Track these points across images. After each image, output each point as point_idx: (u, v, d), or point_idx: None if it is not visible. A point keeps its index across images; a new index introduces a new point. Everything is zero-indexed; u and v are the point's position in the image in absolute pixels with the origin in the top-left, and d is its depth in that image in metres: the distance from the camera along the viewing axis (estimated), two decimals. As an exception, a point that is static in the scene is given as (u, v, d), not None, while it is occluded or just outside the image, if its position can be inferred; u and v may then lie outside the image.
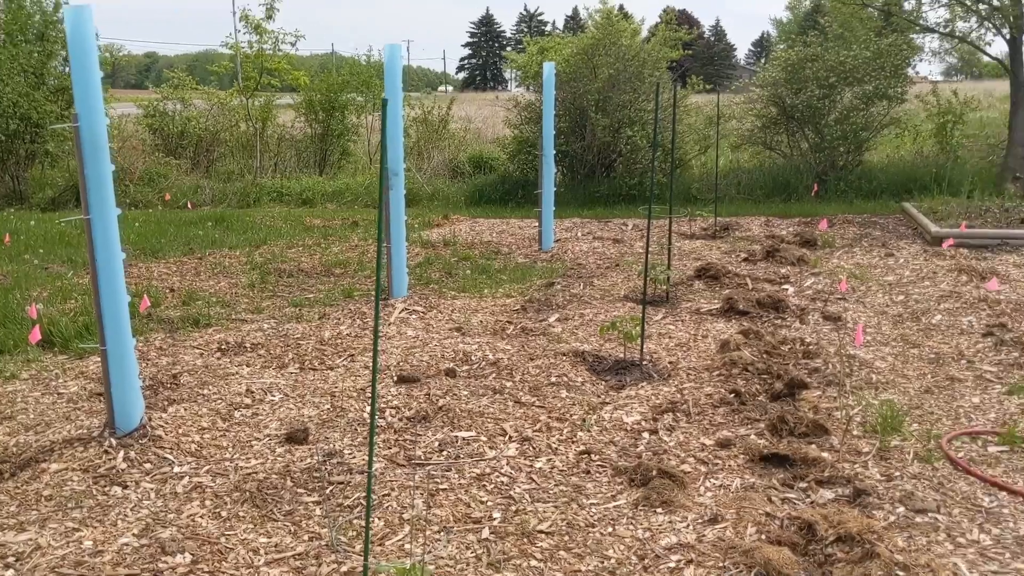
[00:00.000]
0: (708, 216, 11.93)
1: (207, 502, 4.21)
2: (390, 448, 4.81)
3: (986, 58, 16.58)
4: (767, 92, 14.81)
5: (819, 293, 8.17)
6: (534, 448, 4.78)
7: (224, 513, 4.11)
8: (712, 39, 77.51)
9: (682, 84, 16.73)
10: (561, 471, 4.50)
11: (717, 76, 62.74)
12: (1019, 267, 9.10)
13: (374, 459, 4.60)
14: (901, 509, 4.00)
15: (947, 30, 15.20)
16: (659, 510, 4.05)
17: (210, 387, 5.80)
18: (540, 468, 4.53)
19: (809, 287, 8.44)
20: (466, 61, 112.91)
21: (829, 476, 4.31)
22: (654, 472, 4.32)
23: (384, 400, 5.50)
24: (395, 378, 5.91)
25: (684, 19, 64.46)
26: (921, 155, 15.76)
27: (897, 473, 4.39)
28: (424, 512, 4.07)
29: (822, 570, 3.48)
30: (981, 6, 14.25)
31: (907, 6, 15.19)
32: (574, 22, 75.24)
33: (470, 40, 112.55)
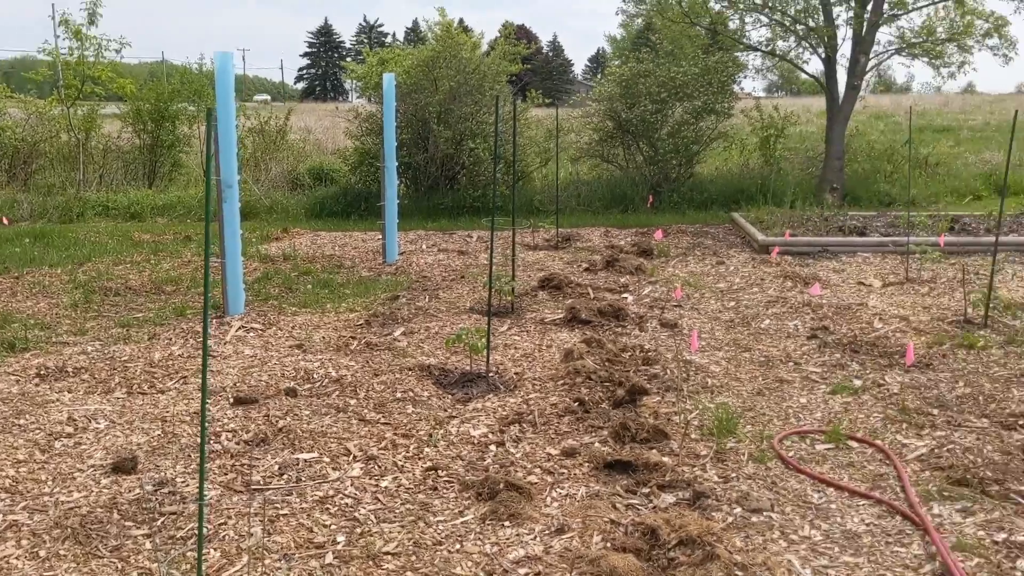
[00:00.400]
0: (550, 227, 12.11)
1: (23, 541, 3.88)
2: (227, 474, 4.58)
3: (804, 75, 17.65)
4: (603, 106, 15.22)
5: (656, 301, 8.42)
6: (379, 467, 4.67)
7: (43, 552, 3.79)
8: (550, 54, 79.22)
9: (522, 98, 16.96)
10: (408, 489, 4.41)
11: (556, 90, 64.08)
12: (838, 272, 9.69)
13: (209, 486, 4.38)
14: (738, 510, 4.14)
15: (769, 48, 16.09)
16: (507, 523, 4.02)
17: (27, 416, 5.38)
18: (386, 487, 4.43)
19: (647, 295, 8.69)
20: (305, 71, 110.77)
21: (670, 480, 4.41)
22: (501, 485, 4.30)
23: (219, 423, 5.25)
24: (231, 400, 5.66)
25: (523, 34, 65.60)
26: (747, 167, 16.58)
27: (733, 474, 4.54)
28: (263, 540, 3.88)
29: (665, 574, 3.55)
30: (799, 27, 15.16)
31: (732, 25, 15.96)
32: (414, 34, 75.23)
33: (309, 50, 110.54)
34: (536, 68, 68.78)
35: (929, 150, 18.21)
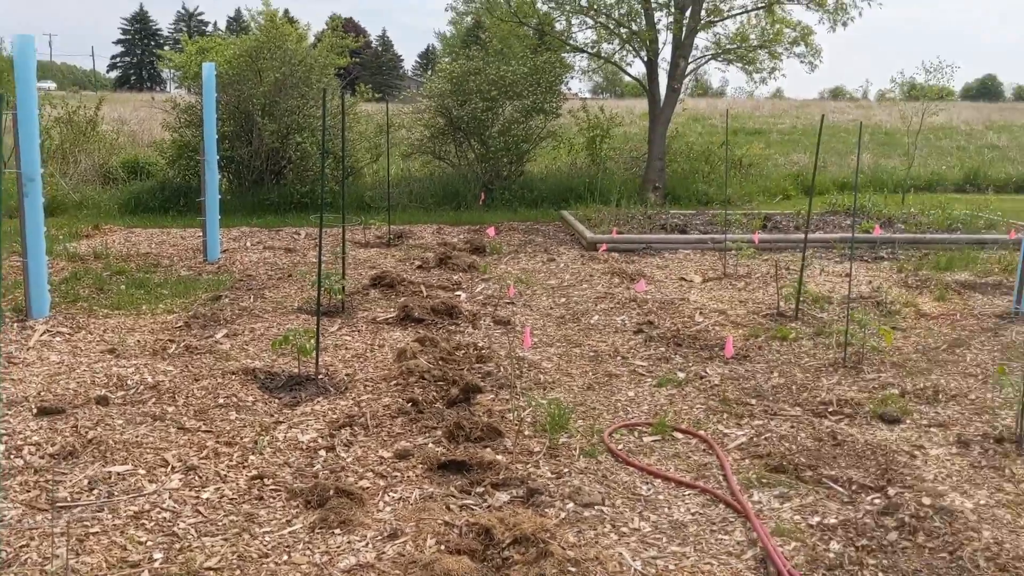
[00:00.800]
0: (382, 224, 11.93)
1: None
2: (29, 491, 4.20)
3: (627, 78, 18.19)
4: (434, 103, 15.15)
5: (490, 298, 8.43)
6: (200, 477, 4.41)
7: None
8: (380, 49, 78.28)
9: (351, 92, 16.64)
10: (231, 500, 4.18)
11: (386, 86, 63.51)
12: (662, 269, 10.03)
13: (8, 505, 4.01)
14: (571, 505, 4.17)
15: (594, 51, 16.48)
16: (337, 531, 3.88)
17: None
18: (208, 499, 4.18)
19: (480, 292, 8.69)
20: (119, 59, 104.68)
21: (504, 478, 4.39)
22: (331, 492, 4.15)
23: (21, 436, 4.82)
24: (35, 410, 5.21)
25: (351, 27, 64.64)
26: (576, 166, 16.95)
27: (566, 469, 4.58)
28: (71, 561, 3.58)
29: (500, 574, 3.52)
30: (622, 30, 15.61)
31: (559, 26, 16.25)
32: (237, 24, 72.44)
33: (123, 37, 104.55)
34: (365, 63, 67.89)
35: (743, 152, 19.20)
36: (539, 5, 15.78)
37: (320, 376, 5.94)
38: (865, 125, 32.62)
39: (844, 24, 15.19)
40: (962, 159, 21.60)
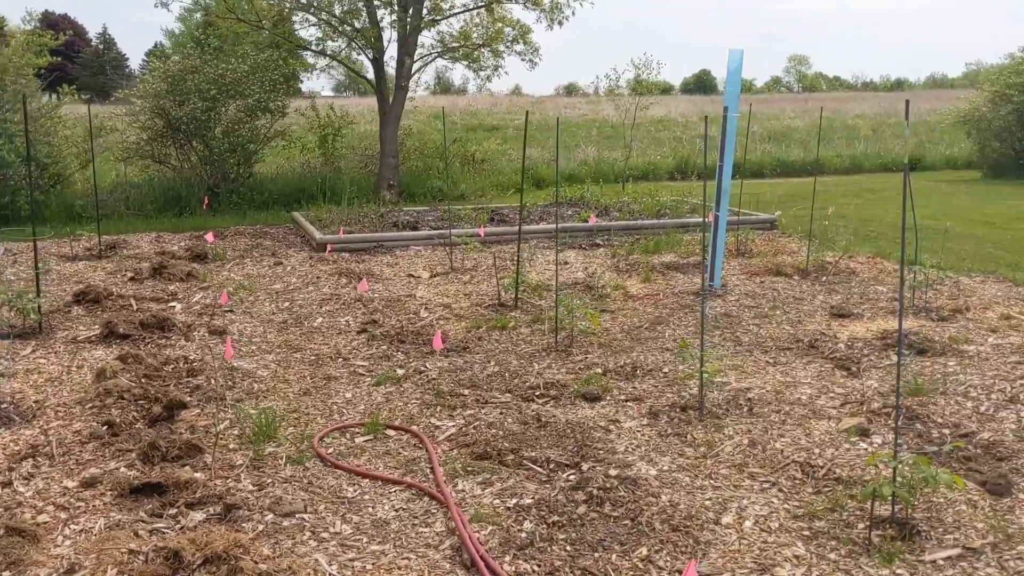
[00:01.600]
0: (92, 235, 11.10)
1: None
2: None
3: (357, 76, 18.07)
4: (150, 103, 14.30)
5: (207, 308, 8.07)
6: None
7: None
8: (101, 47, 72.83)
9: (54, 93, 15.36)
10: None
11: (111, 85, 59.31)
12: (391, 266, 10.05)
13: None
14: (270, 516, 4.06)
15: (319, 48, 16.23)
16: (6, 574, 3.55)
17: None
18: None
19: (198, 302, 8.30)
20: None
21: (201, 497, 4.20)
22: (1, 531, 3.79)
23: None
24: None
25: (67, 24, 59.73)
26: (309, 166, 16.62)
27: (269, 480, 4.46)
28: None
29: (188, 598, 3.36)
30: (347, 27, 15.48)
31: (273, 22, 15.86)
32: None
33: None
34: (85, 62, 63.11)
35: (476, 147, 19.67)
36: (260, 1, 15.31)
37: (4, 405, 5.42)
38: (593, 119, 34.57)
39: (560, 23, 15.91)
40: (676, 149, 23.32)
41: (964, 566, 3.65)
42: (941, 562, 3.68)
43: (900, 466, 3.91)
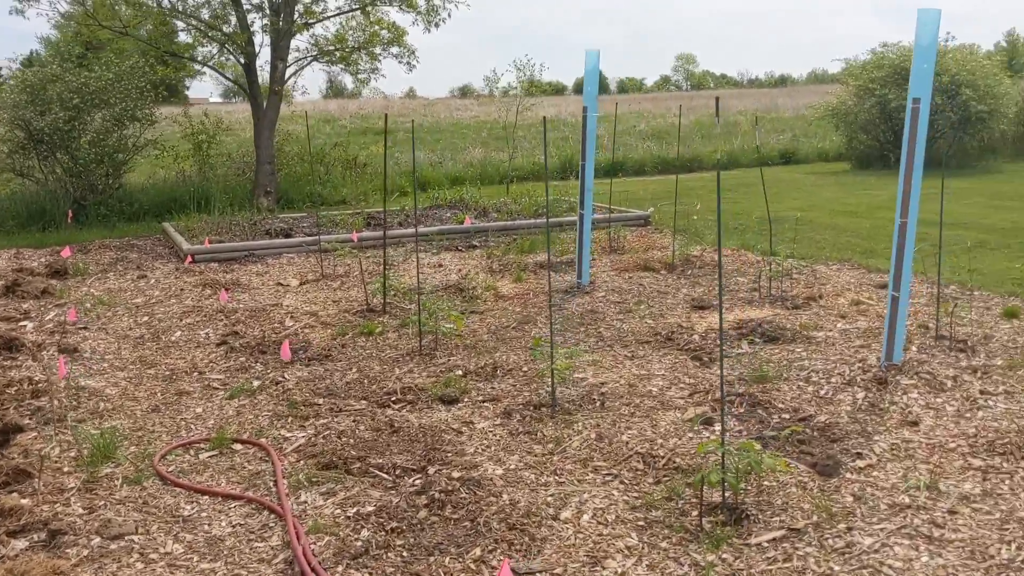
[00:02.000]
0: (-57, 254, 10.55)
1: None
2: None
3: (230, 82, 17.67)
4: (9, 115, 13.66)
5: (60, 325, 7.76)
6: None
7: None
8: (-30, 55, 69.33)
9: None
10: None
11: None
12: (260, 275, 9.85)
13: None
14: (97, 540, 3.92)
15: (189, 55, 15.79)
16: None
17: None
18: None
19: (51, 320, 7.97)
20: None
21: (26, 523, 4.03)
22: None
23: None
24: None
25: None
26: (183, 175, 16.15)
27: (102, 503, 4.31)
28: None
29: (-4, 633, 3.21)
30: (217, 33, 15.09)
31: (145, 31, 15.38)
32: None
33: None
34: (-49, 71, 59.92)
35: (362, 151, 19.45)
36: (119, 7, 14.80)
37: None
38: (484, 121, 34.61)
39: (437, 25, 15.88)
40: (562, 149, 23.54)
41: (786, 547, 3.79)
42: (766, 544, 3.81)
43: (727, 452, 4.02)
